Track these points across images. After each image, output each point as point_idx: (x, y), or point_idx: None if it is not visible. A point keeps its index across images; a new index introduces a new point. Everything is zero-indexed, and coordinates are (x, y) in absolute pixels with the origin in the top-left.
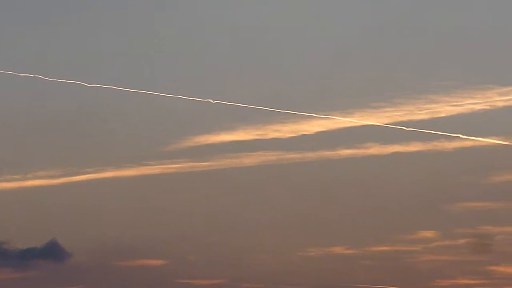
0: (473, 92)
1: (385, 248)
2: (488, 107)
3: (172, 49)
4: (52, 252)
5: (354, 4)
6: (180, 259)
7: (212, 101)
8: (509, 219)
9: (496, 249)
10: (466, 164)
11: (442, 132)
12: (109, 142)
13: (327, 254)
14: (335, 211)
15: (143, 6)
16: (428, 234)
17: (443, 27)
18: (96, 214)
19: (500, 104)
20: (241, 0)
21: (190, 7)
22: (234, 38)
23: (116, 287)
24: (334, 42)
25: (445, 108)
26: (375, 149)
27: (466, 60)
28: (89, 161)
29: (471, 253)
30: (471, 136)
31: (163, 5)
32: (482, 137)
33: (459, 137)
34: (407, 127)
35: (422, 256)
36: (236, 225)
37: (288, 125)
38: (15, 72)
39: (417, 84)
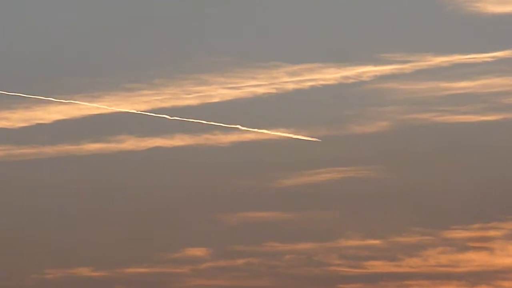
0: (255, 71)
1: (143, 269)
2: (274, 91)
3: None
4: None
5: None
6: None
7: None
8: (301, 234)
9: (284, 272)
10: (247, 163)
11: (216, 122)
12: None
13: (69, 276)
14: (79, 223)
15: None
16: (198, 252)
17: None
18: None
19: (290, 86)
20: None
21: None
22: None
23: None
24: (71, 14)
25: (220, 91)
26: (130, 143)
27: (243, 31)
28: None
29: (252, 277)
30: (253, 127)
31: None
32: (267, 129)
33: (237, 128)
34: (171, 116)
35: (190, 280)
36: None
37: (18, 111)
38: None
39: (183, 61)
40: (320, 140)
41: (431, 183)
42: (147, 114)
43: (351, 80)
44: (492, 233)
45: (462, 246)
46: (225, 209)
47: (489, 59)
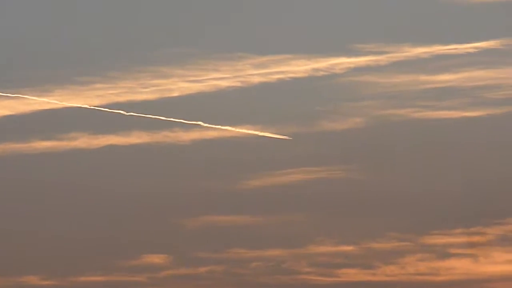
0: (218, 63)
1: (97, 278)
2: (239, 84)
3: None
4: None
5: None
6: None
7: None
8: (268, 239)
9: (250, 280)
10: (210, 162)
11: (176, 118)
12: None
13: (17, 285)
14: (27, 227)
15: None
16: (157, 259)
17: None
18: None
19: (256, 79)
20: None
21: None
22: None
23: None
24: (17, 3)
25: (180, 85)
26: (82, 141)
27: (204, 19)
28: None
29: (216, 286)
30: (216, 124)
31: None
32: (231, 126)
33: (199, 125)
34: (127, 111)
35: None
36: None
37: None
38: None
39: (140, 52)
40: (289, 138)
41: (410, 185)
42: (101, 110)
43: (322, 73)
44: (475, 238)
45: (443, 253)
46: (186, 213)
47: (472, 50)
